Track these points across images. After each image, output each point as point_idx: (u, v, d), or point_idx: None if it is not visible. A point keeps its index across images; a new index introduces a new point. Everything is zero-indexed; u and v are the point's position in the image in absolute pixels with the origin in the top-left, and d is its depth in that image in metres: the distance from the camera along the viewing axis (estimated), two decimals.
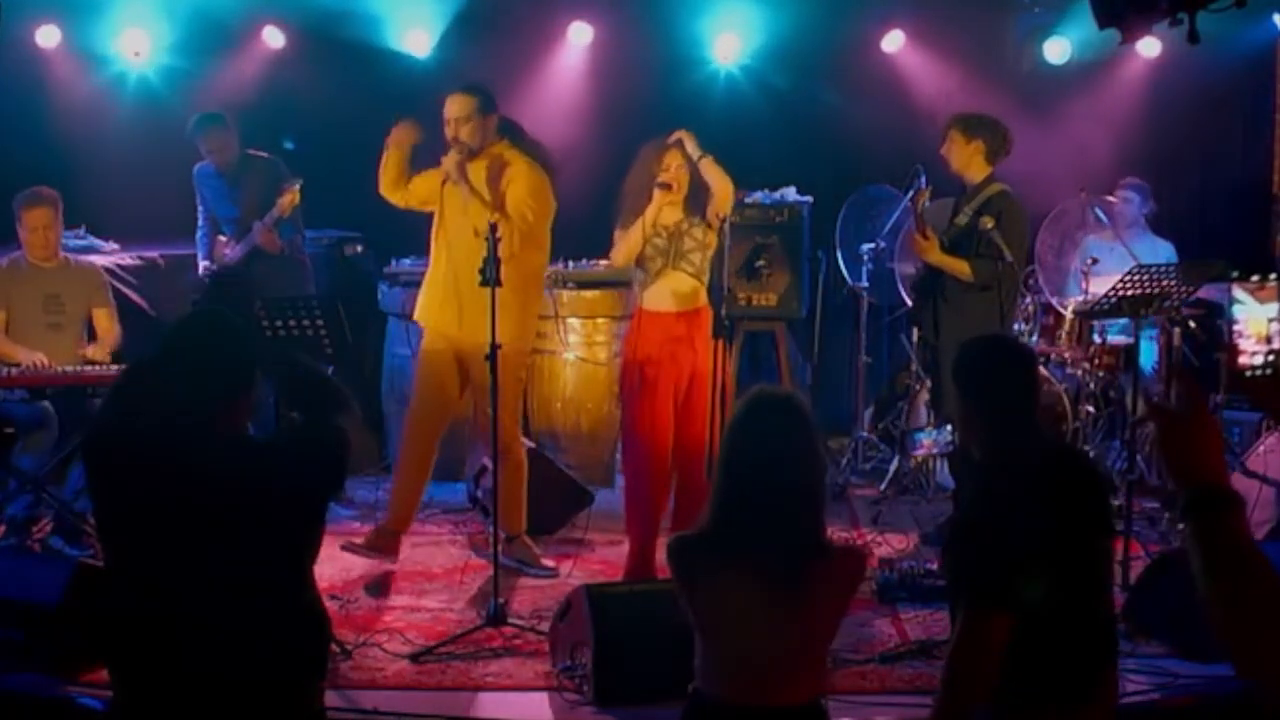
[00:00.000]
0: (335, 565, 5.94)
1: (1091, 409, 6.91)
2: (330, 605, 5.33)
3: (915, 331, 7.04)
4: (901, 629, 5.19)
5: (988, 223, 5.89)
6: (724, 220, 5.57)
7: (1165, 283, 6.11)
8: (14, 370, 5.97)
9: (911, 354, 7.31)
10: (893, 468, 7.20)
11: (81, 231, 7.40)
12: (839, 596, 3.13)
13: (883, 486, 7.14)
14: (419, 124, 5.73)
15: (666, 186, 5.49)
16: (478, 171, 5.69)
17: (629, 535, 5.67)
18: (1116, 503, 5.70)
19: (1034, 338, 7.02)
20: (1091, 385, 6.91)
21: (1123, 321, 6.55)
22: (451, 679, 4.75)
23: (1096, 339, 6.85)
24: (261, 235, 6.68)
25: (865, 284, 7.52)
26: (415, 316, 5.97)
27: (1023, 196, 6.24)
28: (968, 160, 6.19)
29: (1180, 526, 2.09)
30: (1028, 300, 6.99)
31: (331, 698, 4.43)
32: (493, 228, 5.24)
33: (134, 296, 7.19)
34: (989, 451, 3.20)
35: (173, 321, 3.36)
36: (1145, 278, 6.08)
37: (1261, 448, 6.20)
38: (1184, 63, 8.11)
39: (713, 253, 5.64)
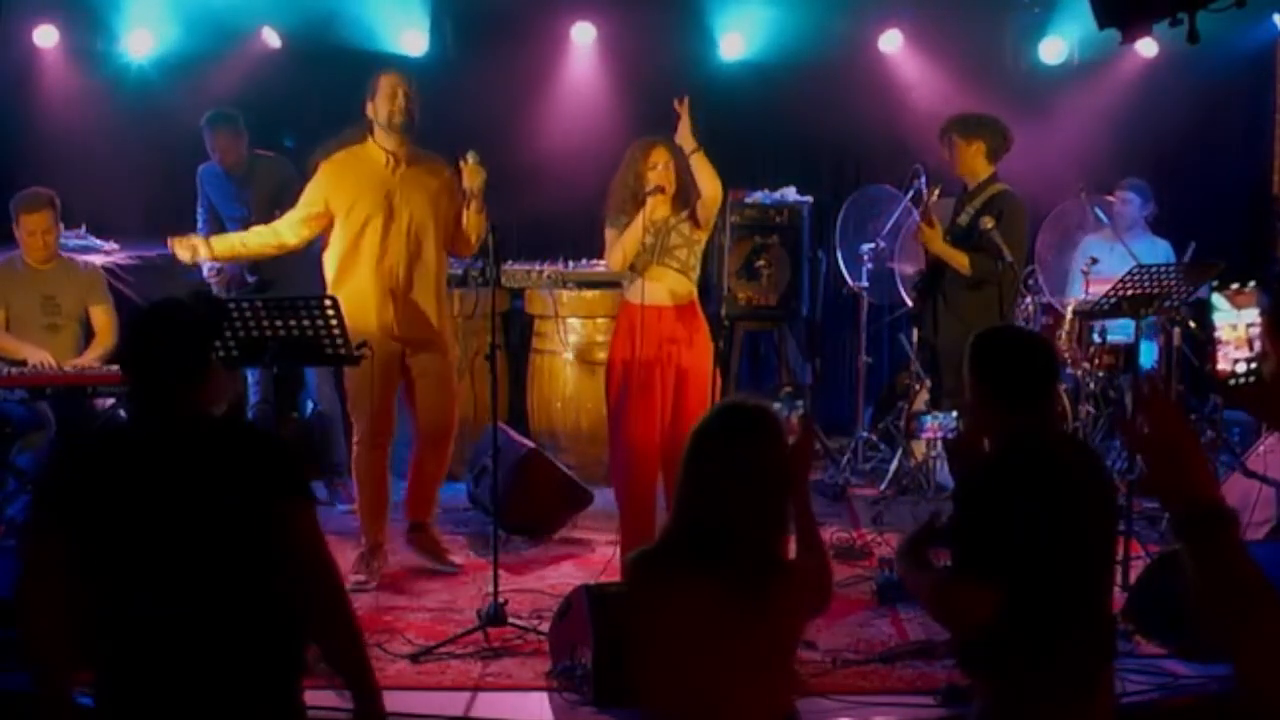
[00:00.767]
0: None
1: (1091, 409, 6.91)
2: None
3: (915, 331, 7.05)
4: (901, 629, 5.19)
5: (988, 223, 5.89)
6: (712, 220, 5.55)
7: (1165, 283, 6.11)
8: (14, 370, 5.97)
9: (911, 354, 7.31)
10: (893, 468, 7.19)
11: (81, 231, 7.40)
12: (798, 613, 3.01)
13: (883, 486, 7.14)
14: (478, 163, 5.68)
15: (659, 190, 5.46)
16: (423, 168, 5.72)
17: (622, 536, 5.67)
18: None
19: None
20: (1091, 385, 6.91)
21: (1123, 321, 6.55)
22: (451, 679, 4.75)
23: (1096, 339, 6.85)
24: None
25: (865, 284, 7.53)
26: (362, 330, 5.59)
27: (1023, 196, 6.24)
28: (971, 162, 6.21)
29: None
30: (1028, 300, 6.99)
31: (331, 698, 4.43)
32: (493, 228, 5.27)
33: (133, 296, 7.18)
34: (1000, 441, 3.18)
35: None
36: (1145, 278, 6.08)
37: (1261, 448, 6.20)
38: (1184, 63, 8.11)
39: (700, 249, 5.61)
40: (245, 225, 6.83)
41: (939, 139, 6.34)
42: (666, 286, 5.52)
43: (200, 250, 5.70)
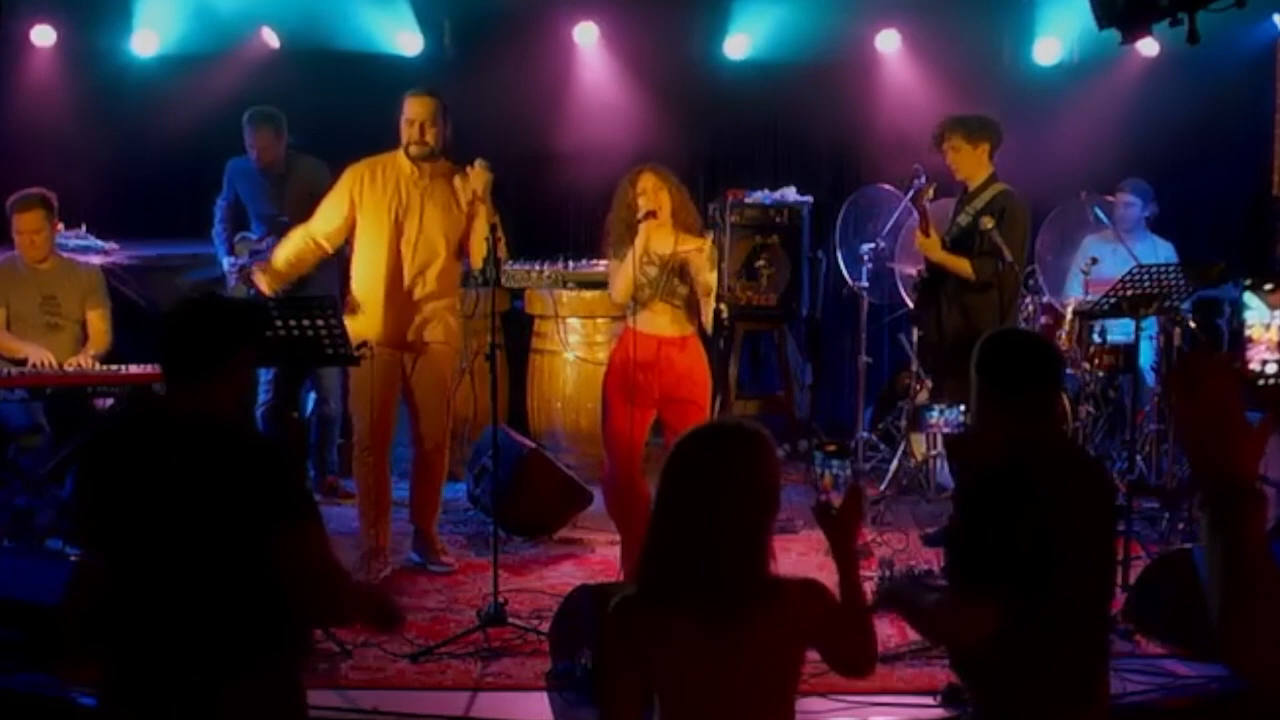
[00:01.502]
0: None
1: (1091, 409, 6.91)
2: None
3: (915, 331, 7.04)
4: (901, 629, 5.18)
5: (988, 223, 5.88)
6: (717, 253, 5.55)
7: (1165, 283, 6.12)
8: (14, 370, 5.97)
9: (911, 354, 7.31)
10: (893, 468, 7.19)
11: (81, 231, 7.40)
12: (793, 641, 2.74)
13: (883, 486, 7.13)
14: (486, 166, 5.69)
15: (650, 216, 5.43)
16: (442, 179, 5.77)
17: (622, 536, 5.66)
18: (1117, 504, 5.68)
19: None
20: (1091, 385, 6.90)
21: (1123, 321, 6.55)
22: (451, 679, 4.75)
23: (1096, 339, 6.85)
24: None
25: (865, 284, 7.52)
26: (368, 335, 5.70)
27: (1022, 196, 6.23)
28: (975, 164, 6.16)
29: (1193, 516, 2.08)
30: (1028, 300, 6.99)
31: (331, 697, 4.45)
32: (493, 228, 5.29)
33: (133, 296, 7.19)
34: (1005, 445, 3.13)
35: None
36: (1145, 278, 6.08)
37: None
38: (1184, 63, 8.11)
39: (703, 285, 5.54)
40: (276, 223, 6.83)
41: (935, 140, 6.26)
42: (669, 319, 5.51)
43: (268, 282, 5.81)
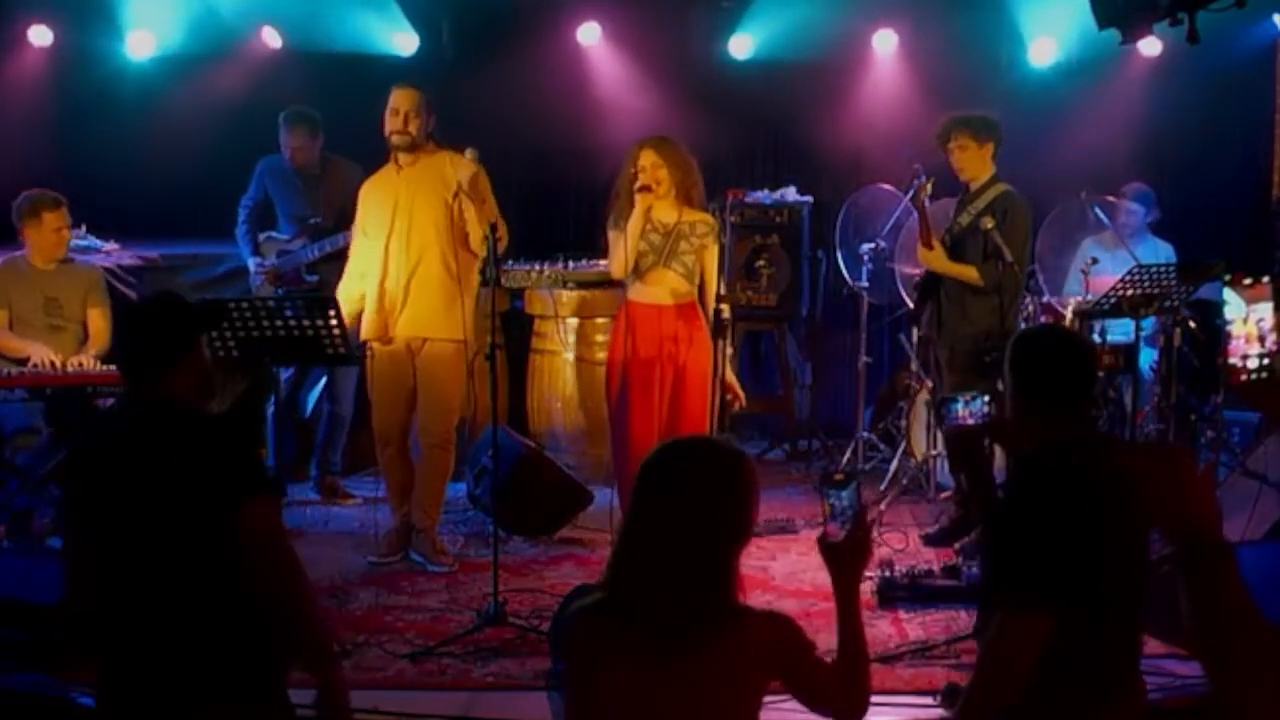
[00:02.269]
0: (335, 565, 5.96)
1: (1092, 409, 6.90)
2: (330, 605, 5.39)
3: (915, 331, 7.04)
4: (901, 629, 5.19)
5: (988, 222, 5.88)
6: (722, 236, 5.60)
7: (1165, 283, 6.11)
8: (14, 370, 5.98)
9: (911, 354, 7.31)
10: (893, 468, 7.20)
11: (81, 231, 7.40)
12: (749, 672, 2.61)
13: (883, 486, 7.14)
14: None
15: (645, 189, 5.47)
16: (430, 169, 5.79)
17: None
18: None
19: None
20: None
21: (1123, 321, 6.55)
22: (451, 679, 4.74)
23: (1096, 339, 6.85)
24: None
25: (865, 284, 7.52)
26: (370, 335, 5.86)
27: (1024, 196, 6.21)
28: (980, 164, 6.13)
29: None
30: (1028, 300, 6.98)
31: None
32: (493, 228, 5.30)
33: (134, 297, 7.18)
34: (1038, 444, 3.09)
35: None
36: (1145, 278, 6.08)
37: (1261, 448, 6.20)
38: (1184, 63, 8.11)
39: (707, 255, 5.65)
40: (306, 223, 6.85)
41: (940, 139, 6.24)
42: (668, 287, 5.57)
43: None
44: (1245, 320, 6.45)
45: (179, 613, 2.97)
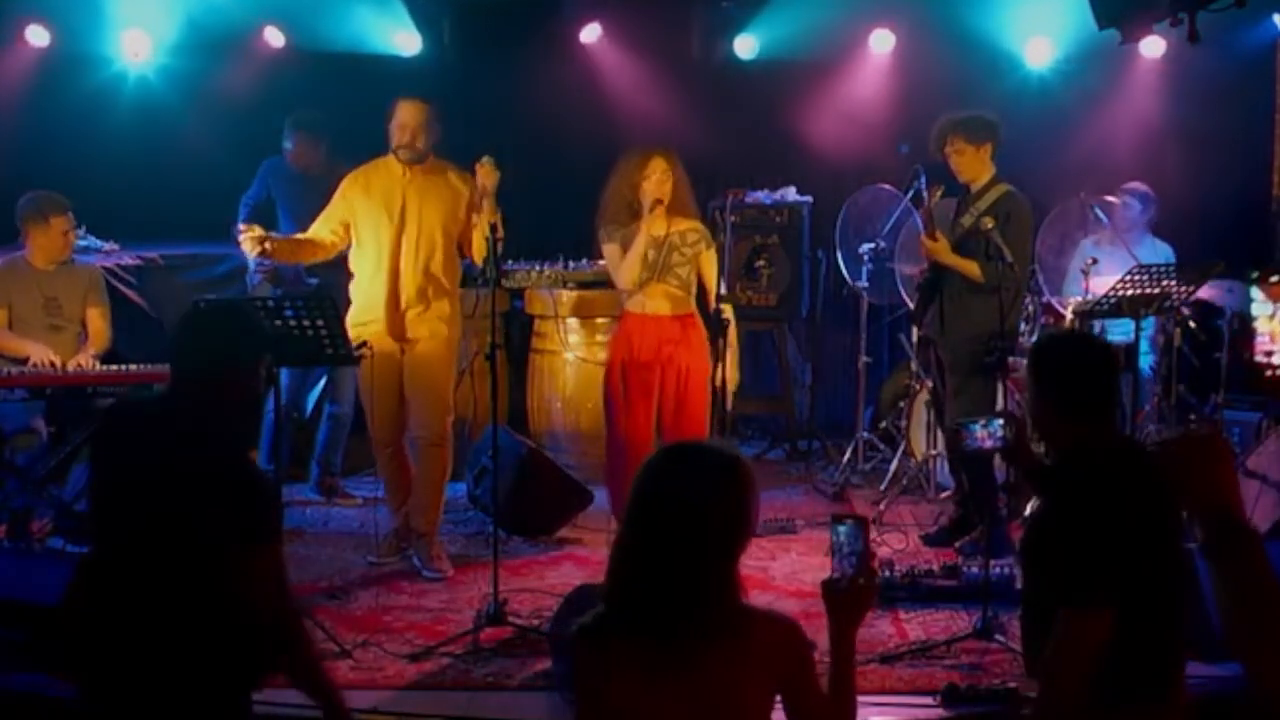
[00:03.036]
0: (335, 565, 5.96)
1: None
2: (330, 605, 5.39)
3: (915, 331, 7.04)
4: (901, 629, 5.19)
5: (988, 223, 5.87)
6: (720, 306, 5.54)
7: (1165, 283, 6.11)
8: (14, 370, 5.98)
9: (911, 354, 7.31)
10: (893, 468, 7.20)
11: (81, 231, 7.39)
12: (758, 676, 2.57)
13: (883, 486, 7.14)
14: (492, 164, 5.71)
15: (659, 204, 5.45)
16: (438, 179, 5.81)
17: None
18: None
19: (1034, 338, 7.01)
20: None
21: (1123, 321, 6.55)
22: (451, 679, 4.74)
23: None
24: None
25: (865, 284, 7.52)
26: (366, 335, 5.76)
27: (1024, 196, 6.21)
28: (978, 165, 6.12)
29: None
30: (1028, 300, 6.98)
31: None
32: (493, 228, 5.29)
33: (134, 296, 7.19)
34: (1065, 449, 3.08)
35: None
36: (1145, 278, 6.08)
37: (1262, 448, 6.20)
38: (1183, 63, 8.11)
39: (704, 261, 5.63)
40: (307, 224, 6.83)
41: (935, 143, 6.23)
42: (666, 299, 5.52)
43: (253, 241, 5.72)
44: (1272, 318, 6.49)
45: (158, 620, 2.96)
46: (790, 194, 7.92)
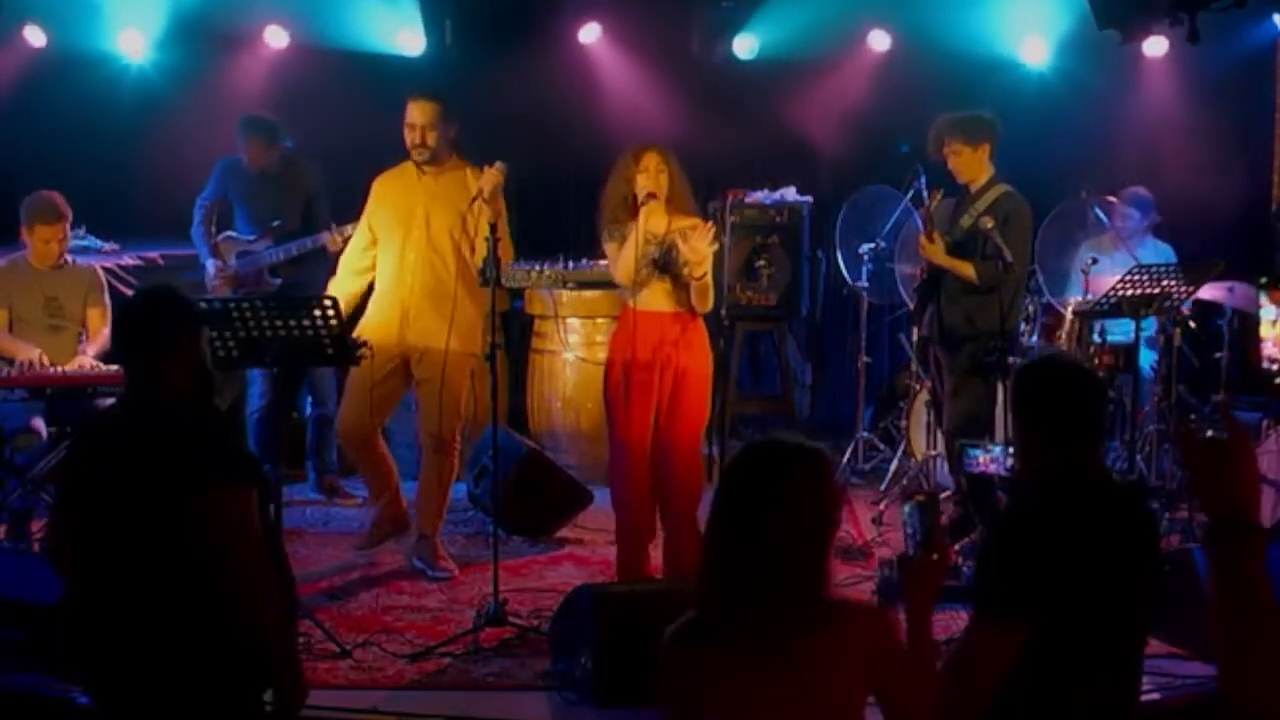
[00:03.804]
0: (335, 565, 5.96)
1: None
2: (330, 605, 5.39)
3: (915, 331, 7.04)
4: (902, 629, 5.18)
5: (988, 223, 5.87)
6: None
7: (1165, 283, 6.11)
8: (14, 370, 5.98)
9: (911, 354, 7.31)
10: (893, 468, 7.20)
11: (81, 231, 7.40)
12: (855, 668, 2.58)
13: (883, 486, 7.14)
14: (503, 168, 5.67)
15: (651, 197, 5.41)
16: (454, 182, 5.76)
17: (617, 538, 5.66)
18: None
19: (1034, 338, 7.02)
20: None
21: (1123, 322, 6.55)
22: (451, 679, 4.74)
23: (1096, 339, 6.85)
24: (333, 241, 6.46)
25: (865, 284, 7.52)
26: (374, 335, 5.72)
27: (1023, 196, 6.20)
28: (976, 166, 6.12)
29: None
30: (1028, 300, 6.98)
31: (331, 697, 4.44)
32: (493, 228, 5.28)
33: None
34: (1044, 479, 2.99)
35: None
36: (1145, 278, 6.07)
37: (1262, 448, 6.20)
38: (1183, 63, 8.11)
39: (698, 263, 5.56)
40: (269, 224, 6.83)
41: (933, 145, 6.23)
42: (668, 296, 5.49)
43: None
44: (1275, 323, 6.52)
45: (156, 606, 2.97)
46: (790, 194, 7.91)
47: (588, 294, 7.42)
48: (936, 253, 6.10)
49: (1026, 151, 7.01)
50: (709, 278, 5.44)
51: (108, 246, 7.49)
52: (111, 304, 6.46)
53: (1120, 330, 6.76)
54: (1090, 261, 7.00)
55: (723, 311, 6.14)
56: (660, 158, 5.45)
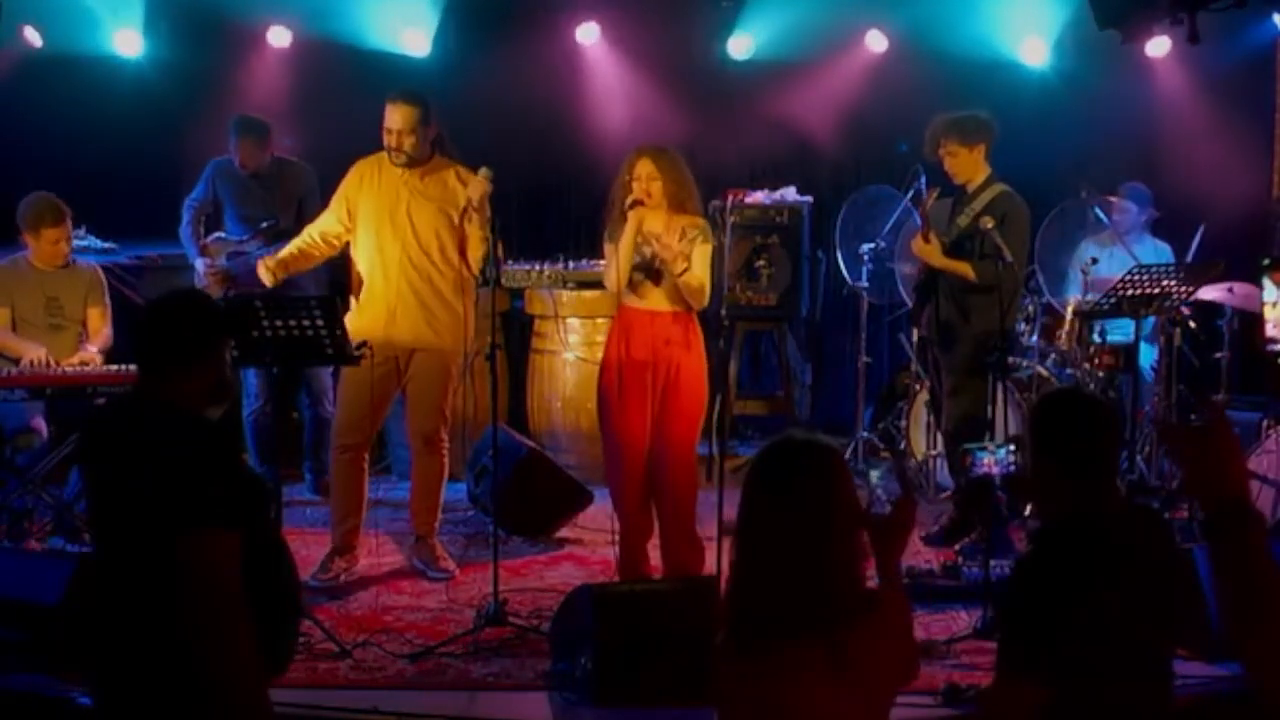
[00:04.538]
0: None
1: None
2: (330, 605, 5.39)
3: (915, 331, 7.04)
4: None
5: (988, 222, 5.87)
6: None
7: (1165, 283, 6.11)
8: (14, 370, 5.98)
9: (911, 354, 7.31)
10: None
11: (81, 231, 7.40)
12: (893, 653, 2.69)
13: None
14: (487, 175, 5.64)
15: (637, 204, 5.38)
16: (436, 182, 5.71)
17: (620, 536, 5.65)
18: None
19: (1034, 338, 7.02)
20: (1091, 385, 6.90)
21: (1123, 321, 6.55)
22: (451, 679, 4.74)
23: (1096, 339, 6.85)
24: None
25: (865, 284, 7.52)
26: (366, 334, 5.65)
27: (1022, 196, 6.20)
28: (973, 166, 6.11)
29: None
30: (1028, 300, 6.99)
31: (331, 697, 4.45)
32: (493, 226, 5.26)
33: (133, 296, 7.19)
34: (1060, 514, 2.94)
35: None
36: (1145, 278, 6.08)
37: (1262, 448, 6.20)
38: (1183, 63, 8.11)
39: (696, 254, 5.48)
40: (260, 225, 6.81)
41: (929, 146, 6.22)
42: (664, 295, 5.47)
43: (270, 272, 5.71)
44: (1276, 305, 6.54)
45: (148, 617, 2.94)
46: (790, 194, 7.91)
47: (588, 294, 7.41)
48: (933, 254, 6.10)
49: (1026, 151, 7.01)
50: (693, 274, 5.40)
51: (108, 246, 7.49)
52: (111, 304, 6.48)
53: (1120, 330, 6.76)
54: (1090, 261, 7.00)
55: (723, 311, 6.11)
56: (653, 165, 5.41)
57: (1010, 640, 2.82)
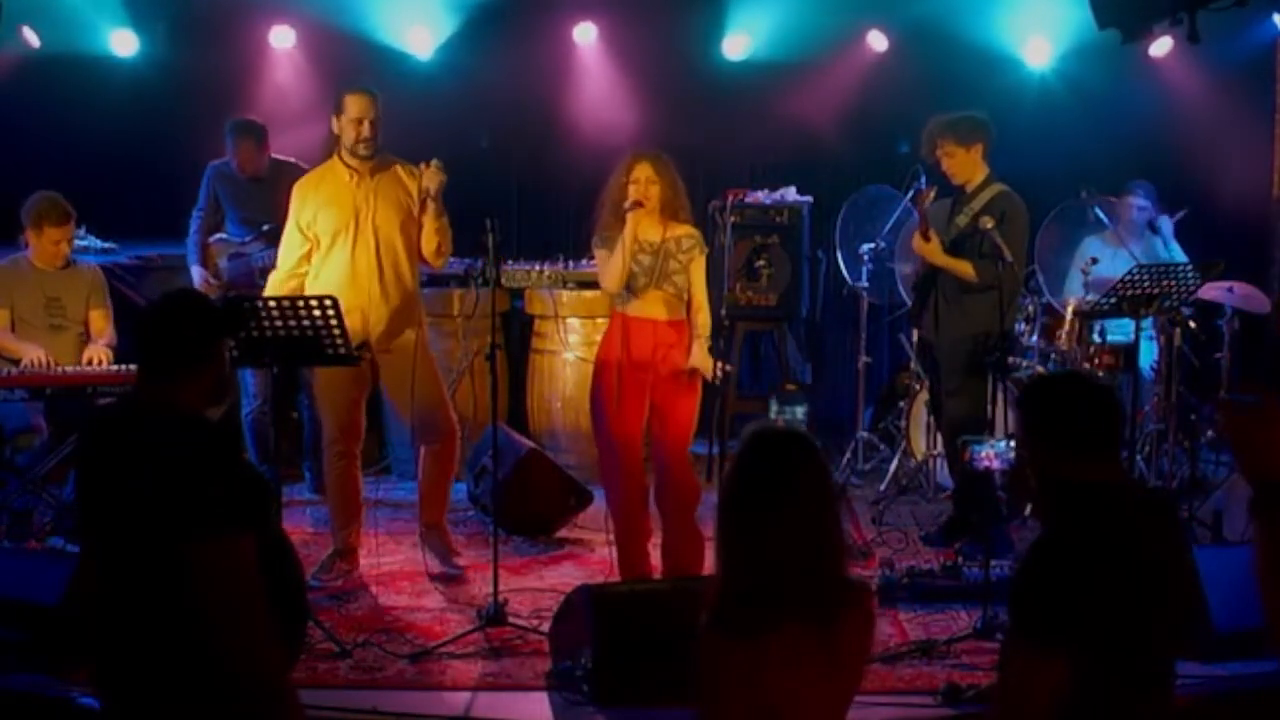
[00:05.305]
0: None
1: None
2: (330, 605, 5.39)
3: (915, 331, 7.04)
4: (901, 629, 5.19)
5: (988, 222, 5.87)
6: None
7: (1165, 283, 6.11)
8: (14, 370, 5.98)
9: (911, 354, 7.31)
10: (893, 468, 7.20)
11: (81, 231, 7.40)
12: (868, 637, 2.82)
13: (883, 486, 7.14)
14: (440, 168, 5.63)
15: (637, 206, 5.36)
16: (389, 179, 5.69)
17: (616, 537, 5.65)
18: None
19: (1034, 338, 7.02)
20: None
21: (1123, 321, 6.55)
22: (451, 679, 4.74)
23: (1096, 339, 6.85)
24: None
25: (865, 284, 7.52)
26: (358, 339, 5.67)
27: (1022, 196, 6.20)
28: (971, 166, 6.12)
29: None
30: (1028, 300, 6.99)
31: (331, 697, 4.45)
32: (492, 225, 5.25)
33: (133, 296, 7.19)
34: (1062, 496, 2.90)
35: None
36: (1145, 277, 6.07)
37: None
38: (1184, 63, 8.11)
39: (694, 267, 5.49)
40: (260, 227, 6.82)
41: (926, 147, 6.22)
42: (662, 304, 5.45)
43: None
44: None
45: (156, 618, 2.93)
46: (790, 194, 7.91)
47: (588, 294, 7.41)
48: (934, 251, 6.11)
49: (1027, 151, 7.02)
50: (704, 324, 5.48)
51: (108, 246, 7.49)
52: (111, 304, 6.48)
53: (1120, 330, 6.76)
54: (1090, 261, 7.00)
55: (723, 311, 6.10)
56: (652, 169, 5.39)
57: (1028, 618, 2.77)
